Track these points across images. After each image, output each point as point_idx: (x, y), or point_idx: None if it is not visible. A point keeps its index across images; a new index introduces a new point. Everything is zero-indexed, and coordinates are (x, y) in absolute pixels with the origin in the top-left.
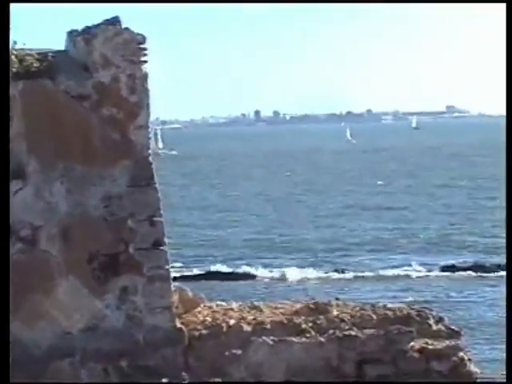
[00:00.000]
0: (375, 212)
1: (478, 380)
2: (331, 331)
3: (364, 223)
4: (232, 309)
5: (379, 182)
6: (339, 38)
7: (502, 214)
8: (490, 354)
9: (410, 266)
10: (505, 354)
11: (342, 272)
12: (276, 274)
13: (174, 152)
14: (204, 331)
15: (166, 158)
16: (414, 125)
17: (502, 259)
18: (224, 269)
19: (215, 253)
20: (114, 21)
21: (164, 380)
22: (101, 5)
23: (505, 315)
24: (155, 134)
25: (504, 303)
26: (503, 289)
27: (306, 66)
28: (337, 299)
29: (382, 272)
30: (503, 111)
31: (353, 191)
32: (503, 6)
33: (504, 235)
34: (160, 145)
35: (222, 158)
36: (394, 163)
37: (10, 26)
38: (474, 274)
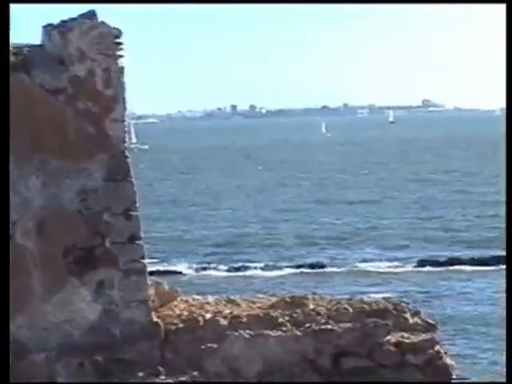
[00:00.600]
0: (348, 206)
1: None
2: (307, 325)
3: (337, 217)
4: (208, 303)
5: (345, 177)
6: (319, 34)
7: (474, 208)
8: (463, 349)
9: (384, 260)
10: (476, 350)
11: (319, 267)
12: (250, 268)
13: (145, 146)
14: (180, 325)
15: (139, 152)
16: (390, 119)
17: (475, 253)
18: (198, 263)
19: (189, 248)
20: (90, 15)
21: (140, 374)
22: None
23: (477, 310)
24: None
25: (476, 297)
26: (476, 283)
27: (285, 61)
28: (313, 293)
29: (356, 266)
30: (478, 105)
31: (326, 185)
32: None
33: (478, 229)
34: (133, 139)
35: (194, 151)
36: (368, 156)
37: (10, 26)
38: (447, 268)
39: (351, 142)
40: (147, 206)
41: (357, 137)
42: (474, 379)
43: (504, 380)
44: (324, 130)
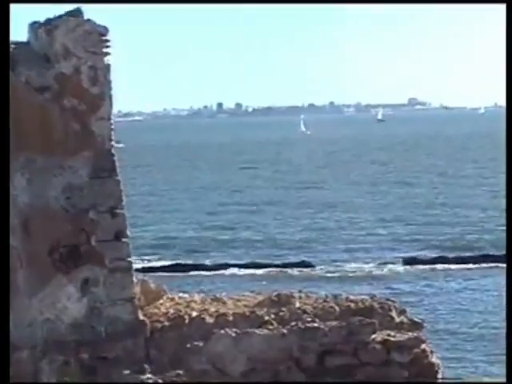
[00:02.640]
0: (326, 206)
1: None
2: (293, 323)
3: (317, 217)
4: (194, 301)
5: (321, 177)
6: (306, 33)
7: (454, 208)
8: (441, 351)
9: (368, 259)
10: (456, 354)
11: (303, 266)
12: (229, 266)
13: (120, 145)
14: (166, 323)
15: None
16: (379, 117)
17: (459, 252)
18: (176, 261)
19: (168, 246)
20: (76, 12)
21: (125, 372)
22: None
23: (457, 308)
24: None
25: (460, 297)
26: (461, 282)
27: (271, 58)
28: (299, 291)
29: (340, 266)
30: (464, 103)
31: (302, 184)
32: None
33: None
34: None
35: (171, 149)
36: (346, 155)
37: (10, 26)
38: (432, 266)
39: (330, 140)
40: None
41: (338, 135)
42: (467, 380)
43: (504, 380)
44: (303, 128)
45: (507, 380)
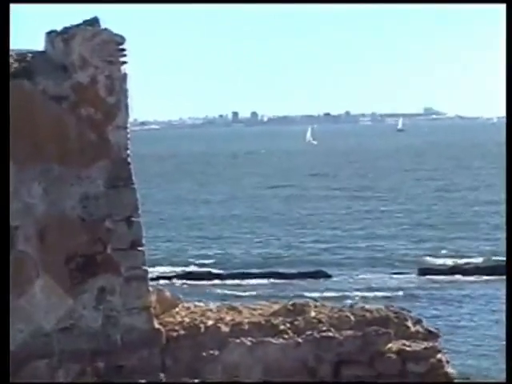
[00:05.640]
0: (332, 217)
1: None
2: (308, 332)
3: (326, 228)
4: (210, 310)
5: (322, 189)
6: (322, 42)
7: (468, 220)
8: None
9: (383, 270)
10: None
11: (317, 277)
12: (249, 276)
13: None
14: (182, 332)
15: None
16: (399, 126)
17: (474, 261)
18: (192, 271)
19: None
20: (93, 21)
21: (142, 381)
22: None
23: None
24: None
25: (468, 307)
26: (473, 293)
27: (288, 67)
28: (315, 300)
29: (357, 277)
30: (479, 113)
31: (300, 196)
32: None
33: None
34: None
35: (171, 160)
36: (348, 167)
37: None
38: (447, 277)
39: (335, 150)
40: None
41: (347, 145)
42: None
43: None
44: (309, 138)
45: (507, 380)
